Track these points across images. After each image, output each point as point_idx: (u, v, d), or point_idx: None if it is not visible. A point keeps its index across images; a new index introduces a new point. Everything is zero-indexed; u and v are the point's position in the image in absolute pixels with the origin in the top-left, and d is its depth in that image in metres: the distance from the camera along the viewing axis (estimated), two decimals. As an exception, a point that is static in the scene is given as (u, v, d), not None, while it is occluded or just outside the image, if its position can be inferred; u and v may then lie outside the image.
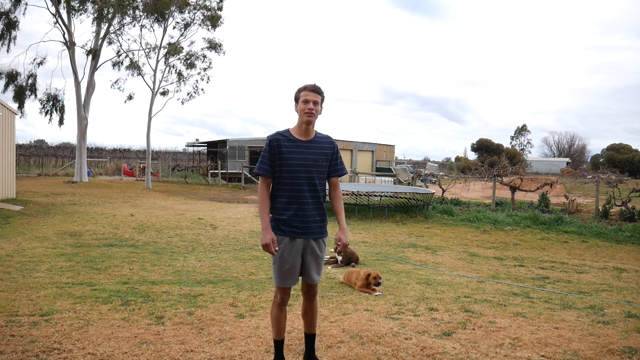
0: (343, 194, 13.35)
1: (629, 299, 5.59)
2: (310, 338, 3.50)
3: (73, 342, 3.77)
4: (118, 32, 24.92)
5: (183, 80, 26.19)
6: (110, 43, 25.10)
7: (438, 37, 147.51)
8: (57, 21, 23.67)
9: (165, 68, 25.72)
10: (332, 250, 7.33)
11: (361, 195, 13.45)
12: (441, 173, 33.17)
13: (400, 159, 55.05)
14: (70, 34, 24.06)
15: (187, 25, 25.03)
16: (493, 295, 5.59)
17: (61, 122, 26.19)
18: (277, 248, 3.20)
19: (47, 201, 15.13)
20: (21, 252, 7.41)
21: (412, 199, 13.84)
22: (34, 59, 25.03)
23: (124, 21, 24.42)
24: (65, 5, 23.30)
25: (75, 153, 27.26)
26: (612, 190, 14.58)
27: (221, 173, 29.09)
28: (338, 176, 3.43)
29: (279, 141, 3.25)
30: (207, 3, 24.83)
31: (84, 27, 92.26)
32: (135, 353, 3.59)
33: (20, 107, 24.49)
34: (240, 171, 27.92)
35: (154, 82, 25.33)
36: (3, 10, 22.98)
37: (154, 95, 25.26)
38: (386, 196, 13.98)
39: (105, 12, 23.50)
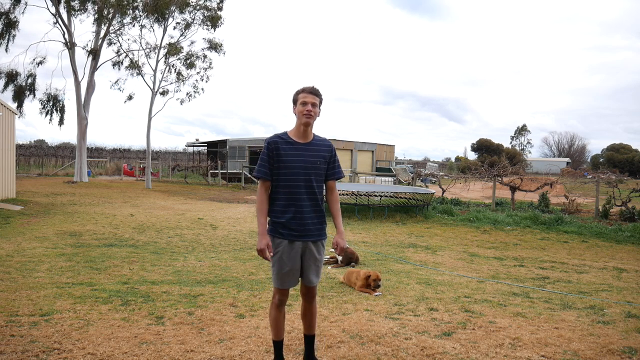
0: (343, 194, 13.52)
1: (629, 299, 5.59)
2: (309, 339, 3.50)
3: (73, 342, 3.77)
4: (118, 32, 24.95)
5: (183, 80, 26.22)
6: (110, 44, 25.14)
7: (438, 37, 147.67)
8: (57, 21, 23.69)
9: (165, 68, 25.75)
10: (332, 250, 7.32)
11: (361, 195, 13.45)
12: (441, 173, 33.15)
13: (400, 159, 55.06)
14: (70, 34, 24.06)
15: (187, 26, 25.05)
16: (493, 295, 5.59)
17: (61, 122, 26.23)
18: (271, 254, 3.22)
19: (47, 201, 15.13)
20: (21, 252, 7.41)
21: (412, 199, 13.84)
22: (34, 59, 25.08)
23: (124, 21, 24.45)
24: (65, 5, 23.30)
25: (75, 153, 27.25)
26: (612, 190, 14.58)
27: (221, 173, 29.09)
28: (335, 179, 3.43)
29: (277, 144, 3.24)
30: (208, 3, 24.86)
31: (84, 27, 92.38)
32: (135, 353, 3.59)
33: (19, 106, 24.50)
34: (240, 171, 27.92)
35: (154, 82, 25.35)
36: (3, 11, 22.99)
37: (153, 95, 25.26)
38: (386, 196, 13.98)
39: (106, 12, 23.50)
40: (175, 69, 25.97)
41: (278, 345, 3.42)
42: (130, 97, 26.56)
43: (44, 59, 24.92)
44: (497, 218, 12.95)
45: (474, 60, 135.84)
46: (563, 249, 9.53)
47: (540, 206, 15.72)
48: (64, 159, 37.44)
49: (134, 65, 25.20)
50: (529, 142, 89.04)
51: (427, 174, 29.92)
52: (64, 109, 26.16)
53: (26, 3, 23.27)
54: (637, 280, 6.76)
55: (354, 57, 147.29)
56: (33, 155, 37.97)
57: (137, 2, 23.56)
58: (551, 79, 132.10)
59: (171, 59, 25.54)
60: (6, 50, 23.65)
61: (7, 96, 24.45)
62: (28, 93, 24.86)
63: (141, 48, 25.46)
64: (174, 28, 25.29)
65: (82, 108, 24.92)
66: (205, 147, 39.20)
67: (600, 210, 14.08)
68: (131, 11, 23.76)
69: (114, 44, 25.20)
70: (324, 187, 3.42)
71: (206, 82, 26.77)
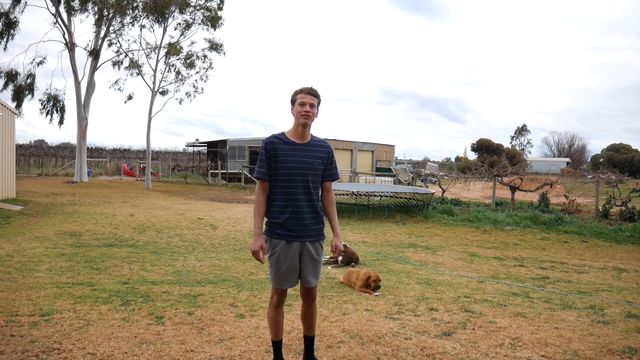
0: (343, 194, 13.51)
1: (629, 299, 5.59)
2: (309, 340, 3.50)
3: (73, 342, 3.77)
4: (118, 32, 24.95)
5: (183, 80, 26.23)
6: (110, 44, 25.15)
7: (438, 37, 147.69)
8: (57, 21, 23.71)
9: (165, 68, 25.76)
10: (332, 252, 7.31)
11: (361, 195, 13.45)
12: (441, 173, 33.15)
13: (400, 159, 55.07)
14: (70, 34, 24.07)
15: (187, 26, 25.06)
16: (493, 295, 5.59)
17: (61, 122, 26.27)
18: (265, 256, 3.22)
19: (47, 201, 15.13)
20: (21, 252, 7.41)
21: (412, 199, 13.84)
22: (34, 59, 25.09)
23: (124, 21, 24.46)
24: (65, 5, 23.30)
25: (75, 153, 27.26)
26: (612, 190, 14.58)
27: (221, 173, 29.09)
28: (331, 181, 3.42)
29: (275, 144, 3.23)
30: (208, 4, 24.85)
31: (84, 27, 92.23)
32: (135, 353, 3.59)
33: (18, 106, 24.52)
34: (240, 171, 27.92)
35: (154, 82, 25.36)
36: (3, 11, 22.99)
37: (153, 95, 25.27)
38: (386, 196, 13.98)
39: (106, 12, 23.50)
40: (175, 69, 26.01)
41: (277, 345, 3.42)
42: (130, 97, 26.60)
43: (44, 59, 25.00)
44: (497, 218, 12.95)
45: (474, 60, 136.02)
46: (563, 249, 9.53)
47: (540, 206, 15.72)
48: (64, 159, 37.45)
49: (134, 65, 25.22)
50: (529, 142, 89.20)
51: (427, 174, 29.91)
52: (64, 109, 26.24)
53: (26, 3, 23.32)
54: (637, 280, 6.76)
55: (354, 57, 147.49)
56: (33, 155, 37.97)
57: (137, 2, 23.57)
58: (551, 79, 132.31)
59: (171, 59, 25.56)
60: (4, 49, 23.69)
61: (7, 96, 24.46)
62: (27, 93, 24.89)
63: (141, 48, 25.51)
64: (175, 28, 25.36)
65: (82, 108, 24.92)
66: (205, 147, 39.20)
67: (600, 210, 14.08)
68: (131, 11, 23.76)
69: (114, 44, 25.27)
70: (320, 188, 3.42)
71: (205, 81, 26.84)
